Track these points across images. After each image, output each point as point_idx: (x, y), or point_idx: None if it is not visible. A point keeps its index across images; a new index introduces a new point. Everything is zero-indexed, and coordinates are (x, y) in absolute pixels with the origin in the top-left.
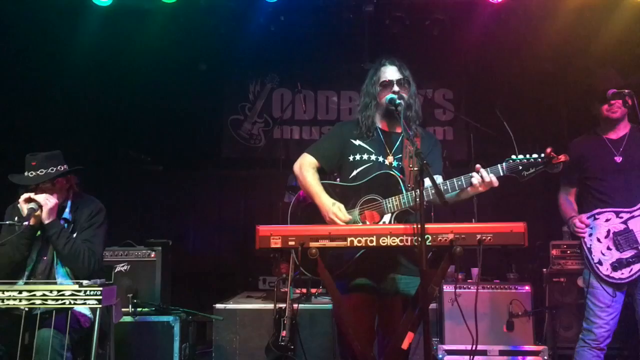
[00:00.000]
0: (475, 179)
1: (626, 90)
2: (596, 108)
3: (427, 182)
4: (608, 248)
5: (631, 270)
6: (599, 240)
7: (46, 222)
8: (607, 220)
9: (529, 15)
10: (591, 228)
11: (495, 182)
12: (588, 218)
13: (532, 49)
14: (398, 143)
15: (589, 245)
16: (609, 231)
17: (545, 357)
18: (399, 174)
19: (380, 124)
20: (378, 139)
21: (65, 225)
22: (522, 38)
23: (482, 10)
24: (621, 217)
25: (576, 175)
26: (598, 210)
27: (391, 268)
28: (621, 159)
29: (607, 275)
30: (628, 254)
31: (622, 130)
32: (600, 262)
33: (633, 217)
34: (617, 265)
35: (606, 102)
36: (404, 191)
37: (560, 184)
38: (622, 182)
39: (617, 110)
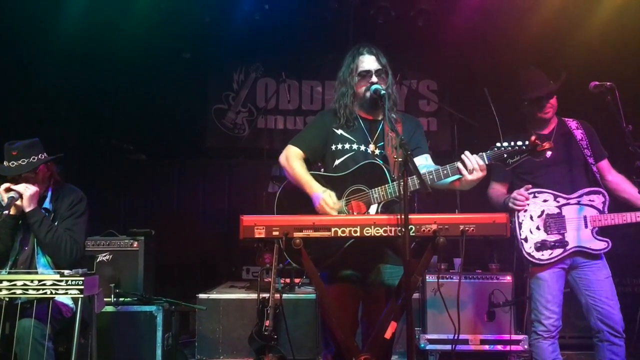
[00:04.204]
0: (464, 169)
1: (608, 84)
2: (526, 108)
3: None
4: (537, 228)
5: (551, 254)
6: (531, 218)
7: (27, 210)
8: (544, 201)
9: (513, 7)
10: (527, 204)
11: (484, 169)
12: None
13: (516, 41)
14: (379, 130)
15: (520, 220)
16: (543, 211)
17: (526, 346)
18: (382, 163)
19: (359, 112)
20: (360, 128)
21: (46, 214)
22: (507, 30)
23: (467, 2)
24: (558, 202)
25: (509, 171)
26: (538, 189)
27: (377, 258)
28: (550, 153)
29: (528, 254)
30: (553, 237)
31: (551, 125)
32: (526, 239)
33: (568, 204)
34: (540, 246)
35: (537, 106)
36: (389, 181)
37: (492, 180)
38: (555, 176)
39: (549, 111)
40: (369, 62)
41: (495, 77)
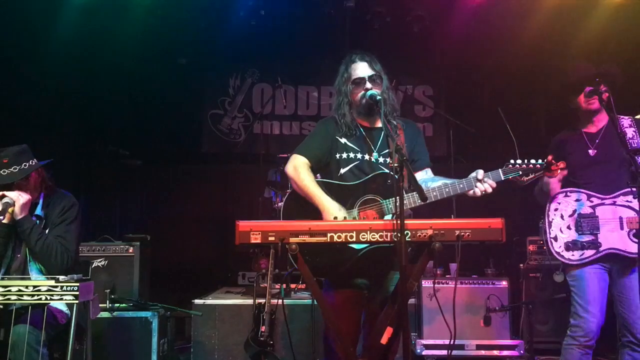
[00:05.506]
0: (478, 189)
1: (603, 88)
2: (573, 101)
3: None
4: (568, 227)
5: (582, 254)
6: (562, 217)
7: (18, 217)
8: (576, 200)
9: (509, 12)
10: (559, 203)
11: (494, 185)
12: (560, 194)
13: (512, 47)
14: (381, 138)
15: (550, 219)
16: (574, 211)
17: (522, 352)
18: (392, 173)
19: (358, 120)
20: (361, 136)
21: (37, 222)
22: (502, 35)
23: (462, 8)
24: (591, 201)
25: None
26: (571, 188)
27: (388, 266)
28: (595, 152)
29: (558, 253)
30: (586, 238)
31: (601, 122)
32: (555, 238)
33: (603, 204)
34: (571, 245)
35: (582, 93)
36: (403, 192)
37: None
38: (597, 175)
39: (594, 102)
40: (361, 69)
41: (491, 82)
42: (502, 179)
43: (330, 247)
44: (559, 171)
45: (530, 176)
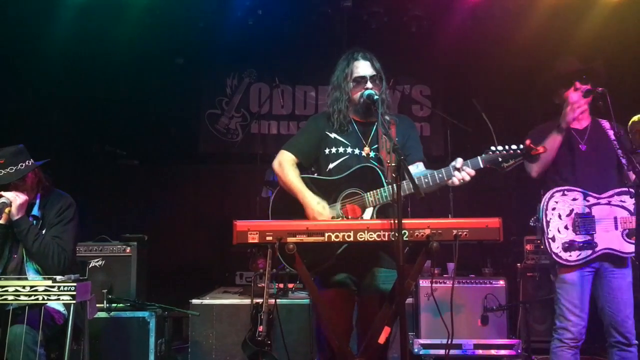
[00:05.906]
0: (456, 178)
1: (599, 90)
2: (561, 96)
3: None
4: (565, 227)
5: (579, 255)
6: (560, 216)
7: (15, 218)
8: (574, 200)
9: (505, 12)
10: (556, 202)
11: (473, 173)
12: (557, 192)
13: (508, 46)
14: (373, 133)
15: (548, 219)
16: (572, 210)
17: (519, 351)
18: (377, 165)
19: (353, 116)
20: (354, 131)
21: (34, 222)
22: (499, 35)
23: (459, 8)
24: (587, 201)
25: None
26: (568, 187)
27: (372, 262)
28: (586, 147)
29: (555, 254)
30: (582, 238)
31: (585, 121)
32: (553, 239)
33: (599, 203)
34: (568, 246)
35: (571, 85)
36: (384, 184)
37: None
38: (589, 170)
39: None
40: (364, 67)
41: (488, 82)
42: (482, 166)
43: (313, 246)
44: (539, 157)
45: (511, 162)
